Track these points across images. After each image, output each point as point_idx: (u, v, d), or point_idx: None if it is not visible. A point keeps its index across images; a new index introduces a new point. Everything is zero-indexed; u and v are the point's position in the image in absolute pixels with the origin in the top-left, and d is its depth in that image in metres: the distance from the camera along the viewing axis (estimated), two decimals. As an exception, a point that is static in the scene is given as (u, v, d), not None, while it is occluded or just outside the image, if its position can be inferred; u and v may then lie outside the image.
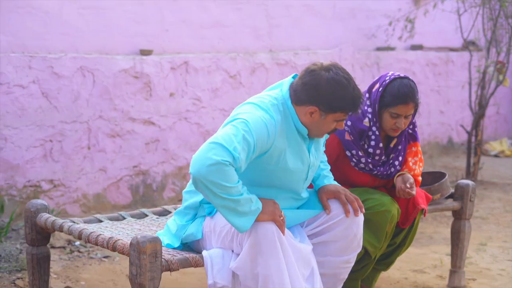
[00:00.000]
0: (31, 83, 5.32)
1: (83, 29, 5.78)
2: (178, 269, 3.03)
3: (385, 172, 3.64)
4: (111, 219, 3.83)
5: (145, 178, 5.99)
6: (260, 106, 3.02)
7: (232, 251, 3.10)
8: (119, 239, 3.12)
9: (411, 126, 3.73)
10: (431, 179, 4.09)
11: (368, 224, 3.47)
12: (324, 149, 3.44)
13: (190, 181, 3.17)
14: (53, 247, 4.88)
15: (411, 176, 3.63)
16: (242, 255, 2.99)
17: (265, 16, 6.99)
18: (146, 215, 3.95)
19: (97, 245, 3.21)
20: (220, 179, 2.83)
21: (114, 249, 3.11)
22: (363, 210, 3.29)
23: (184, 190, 3.33)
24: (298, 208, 3.30)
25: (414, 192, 3.54)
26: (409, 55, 8.11)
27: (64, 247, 4.92)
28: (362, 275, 3.63)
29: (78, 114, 5.55)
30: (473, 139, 7.19)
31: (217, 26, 6.58)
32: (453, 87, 8.62)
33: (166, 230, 3.39)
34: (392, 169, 3.66)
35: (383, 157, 3.61)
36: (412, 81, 3.52)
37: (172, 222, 3.36)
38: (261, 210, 2.98)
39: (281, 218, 3.03)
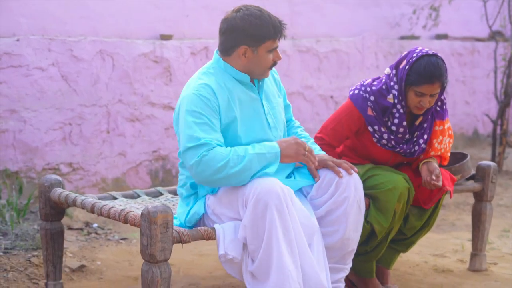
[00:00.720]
0: (50, 66, 5.31)
1: (103, 14, 5.77)
2: (189, 241, 2.99)
3: (408, 150, 3.55)
4: (125, 196, 3.81)
5: (165, 163, 5.96)
6: (190, 83, 3.16)
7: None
8: (130, 211, 3.09)
9: (439, 103, 3.60)
10: (453, 160, 4.01)
11: (375, 202, 3.41)
12: (289, 105, 3.49)
13: (179, 175, 3.33)
14: (70, 228, 4.88)
15: (437, 166, 3.52)
16: (245, 216, 2.93)
17: (287, 3, 6.93)
18: (161, 194, 3.92)
19: (109, 217, 3.18)
20: (213, 166, 2.93)
21: (125, 221, 3.07)
22: (356, 169, 3.26)
23: (178, 186, 3.36)
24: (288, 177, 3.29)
25: (440, 183, 3.45)
26: (433, 44, 7.99)
27: (81, 229, 4.91)
28: (375, 256, 3.54)
29: (97, 98, 5.54)
30: (498, 129, 7.07)
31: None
32: (479, 78, 8.49)
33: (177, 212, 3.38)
34: (416, 147, 3.55)
35: (406, 135, 3.52)
36: (441, 58, 3.40)
37: (178, 211, 3.38)
38: (283, 153, 3.04)
39: (306, 150, 3.09)
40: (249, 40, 3.08)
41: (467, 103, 8.44)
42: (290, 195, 3.00)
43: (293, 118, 3.58)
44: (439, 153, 3.61)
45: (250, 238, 2.96)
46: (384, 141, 3.52)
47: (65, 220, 4.93)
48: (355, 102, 3.50)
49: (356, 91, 3.52)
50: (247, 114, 3.17)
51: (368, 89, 3.50)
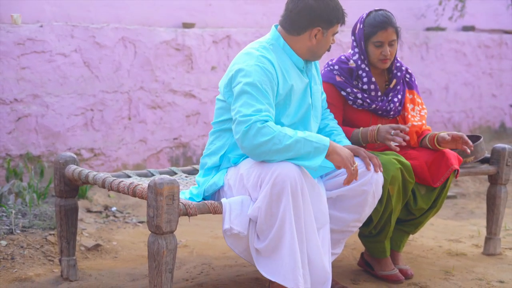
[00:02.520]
0: (73, 52, 5.39)
1: (126, 1, 5.84)
2: (196, 214, 3.01)
3: (384, 107, 3.67)
4: (139, 175, 3.86)
5: (185, 150, 6.01)
6: (252, 53, 3.13)
7: (251, 198, 3.08)
8: (139, 184, 3.13)
9: (407, 75, 3.81)
10: (466, 141, 3.97)
11: None
12: (323, 92, 3.55)
13: (207, 145, 3.36)
14: (89, 211, 4.94)
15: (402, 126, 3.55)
16: (260, 197, 2.96)
17: (310, -7, 6.92)
18: (175, 173, 3.96)
19: (118, 191, 3.22)
20: (259, 139, 2.93)
21: (134, 194, 3.11)
22: (382, 169, 3.27)
23: (202, 156, 3.38)
24: None
25: (399, 140, 3.44)
26: (460, 36, 7.92)
27: (100, 212, 4.97)
28: (384, 237, 3.56)
29: (119, 84, 5.61)
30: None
31: (261, 1, 6.56)
32: (506, 70, 8.39)
33: (191, 188, 3.41)
34: (392, 105, 3.69)
35: (379, 93, 3.68)
36: (388, 11, 3.67)
37: (196, 181, 3.40)
38: (334, 150, 3.02)
39: (354, 166, 3.07)
40: (324, 22, 3.13)
41: (494, 96, 8.34)
42: (311, 182, 3.04)
43: (329, 112, 3.61)
44: (416, 118, 3.72)
45: (263, 219, 2.98)
46: (360, 101, 3.65)
47: (84, 203, 5.01)
48: (326, 79, 3.67)
49: (322, 71, 3.72)
50: (298, 97, 3.22)
51: (330, 62, 3.72)
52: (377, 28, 3.58)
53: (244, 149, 3.00)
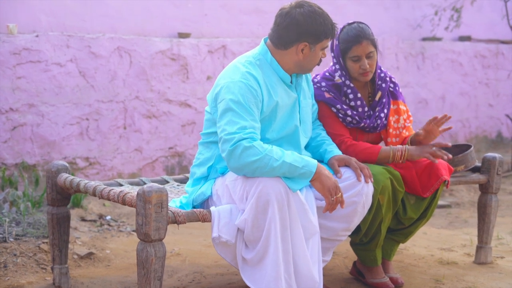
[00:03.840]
0: (68, 62, 5.43)
1: (122, 11, 5.87)
2: (184, 222, 3.03)
3: (371, 124, 3.65)
4: (131, 183, 3.87)
5: (181, 160, 6.03)
6: (238, 68, 3.15)
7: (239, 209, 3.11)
8: (128, 192, 3.15)
9: (391, 85, 3.76)
10: (457, 150, 4.00)
11: None
12: (315, 103, 3.56)
13: (196, 154, 3.37)
14: (84, 220, 4.96)
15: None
16: (247, 210, 2.99)
17: (306, 3, 6.95)
18: (167, 182, 3.98)
19: (109, 199, 3.24)
20: (246, 158, 2.95)
21: (123, 202, 3.13)
22: (372, 179, 3.29)
23: (192, 165, 3.41)
24: None
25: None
26: (456, 46, 7.95)
27: (95, 220, 4.99)
28: (375, 245, 3.57)
29: (114, 94, 5.63)
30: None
31: (257, 12, 6.60)
32: (503, 80, 8.42)
33: (181, 198, 3.43)
34: (379, 121, 3.67)
35: (366, 109, 3.65)
36: (362, 23, 3.60)
37: (186, 190, 3.43)
38: (318, 178, 3.04)
39: (335, 197, 3.07)
40: (311, 37, 3.13)
41: (490, 105, 8.37)
42: (297, 193, 3.06)
43: (321, 125, 3.64)
44: (397, 131, 3.73)
45: (250, 231, 3.01)
46: (349, 119, 3.62)
47: (79, 212, 5.03)
48: (314, 97, 3.61)
49: None
50: (284, 112, 3.24)
51: (316, 80, 3.67)
52: (351, 43, 3.51)
53: (231, 168, 3.04)
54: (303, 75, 3.37)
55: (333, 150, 3.43)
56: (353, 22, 3.59)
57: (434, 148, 3.51)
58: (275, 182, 2.97)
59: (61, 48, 5.40)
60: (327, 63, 6.83)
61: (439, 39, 7.86)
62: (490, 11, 8.22)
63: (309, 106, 3.42)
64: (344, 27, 3.58)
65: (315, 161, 3.08)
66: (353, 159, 3.36)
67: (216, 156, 3.25)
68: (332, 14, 7.09)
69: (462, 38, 8.14)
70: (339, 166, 3.35)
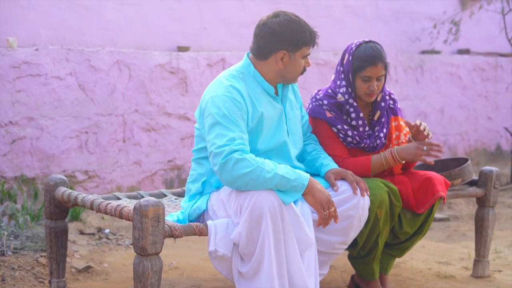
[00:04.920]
0: (68, 75, 5.45)
1: (121, 25, 5.90)
2: (181, 236, 3.04)
3: (371, 145, 3.64)
4: (129, 197, 3.88)
5: (180, 173, 6.04)
6: (221, 82, 3.18)
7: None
8: (126, 206, 3.16)
9: (391, 101, 3.74)
10: (454, 164, 4.01)
11: None
12: (306, 115, 3.57)
13: (190, 171, 3.39)
14: (82, 233, 4.96)
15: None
16: (241, 223, 2.99)
17: (305, 16, 6.92)
18: (165, 195, 3.99)
19: (106, 213, 3.26)
20: (238, 171, 2.97)
21: (120, 216, 3.14)
22: (368, 193, 3.29)
23: (187, 182, 3.42)
24: None
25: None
26: (455, 59, 7.98)
27: (93, 234, 4.99)
28: (373, 259, 3.57)
29: (114, 107, 5.65)
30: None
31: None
32: (502, 93, 8.44)
33: (178, 212, 3.45)
34: (378, 141, 3.66)
35: (366, 128, 3.64)
36: (378, 44, 3.59)
37: (181, 206, 3.44)
38: (311, 191, 3.05)
39: (327, 211, 3.07)
40: (288, 45, 3.16)
41: (489, 118, 8.38)
42: (291, 205, 3.06)
43: (310, 132, 3.64)
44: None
45: (244, 244, 3.02)
46: (350, 139, 3.60)
47: (78, 225, 5.04)
48: (315, 115, 3.62)
49: (310, 106, 3.67)
50: (270, 123, 3.25)
51: (318, 97, 3.65)
52: (367, 63, 3.50)
53: (224, 181, 3.05)
54: (289, 86, 3.39)
55: (329, 164, 3.44)
56: (370, 41, 3.56)
57: (425, 148, 3.47)
58: (268, 195, 2.98)
59: (61, 62, 5.42)
60: (326, 74, 6.86)
61: (438, 52, 7.88)
62: (489, 24, 8.25)
63: (297, 117, 3.42)
64: (361, 44, 3.55)
65: (308, 175, 3.09)
66: (349, 172, 3.37)
67: (209, 171, 3.26)
68: (330, 27, 7.21)
69: (461, 51, 8.17)
70: (335, 180, 3.36)
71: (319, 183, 3.13)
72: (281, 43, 3.15)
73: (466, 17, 7.79)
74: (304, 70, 3.26)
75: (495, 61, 8.34)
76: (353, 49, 3.56)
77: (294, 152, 3.36)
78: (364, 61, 3.51)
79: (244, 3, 6.53)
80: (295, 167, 3.31)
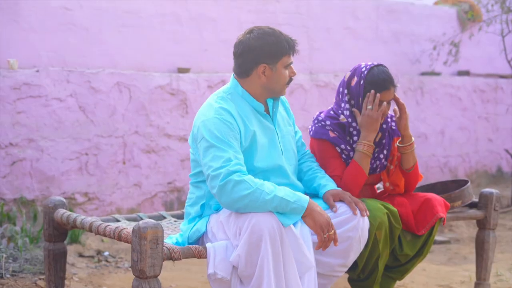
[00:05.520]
0: (68, 97, 5.46)
1: (121, 47, 5.92)
2: (180, 259, 3.02)
3: (370, 166, 3.61)
4: (128, 219, 3.86)
5: (180, 195, 6.02)
6: (211, 105, 3.18)
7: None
8: (124, 228, 3.14)
9: (393, 123, 3.71)
10: (454, 186, 3.99)
11: None
12: (299, 131, 3.55)
13: (188, 195, 3.37)
14: (82, 255, 4.94)
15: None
16: (240, 246, 2.98)
17: (305, 38, 7.02)
18: (164, 217, 3.97)
19: (105, 235, 3.24)
20: (237, 193, 2.96)
21: (119, 238, 3.12)
22: (368, 213, 3.28)
23: (185, 206, 3.40)
24: None
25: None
26: (455, 81, 7.99)
27: (92, 257, 4.97)
28: (373, 282, 3.54)
29: (114, 129, 5.66)
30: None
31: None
32: (502, 115, 8.45)
33: (177, 235, 3.43)
34: (378, 162, 3.64)
35: None
36: (386, 67, 3.56)
37: (180, 228, 3.43)
38: (310, 214, 3.04)
39: (327, 234, 3.05)
40: (267, 58, 3.15)
41: (490, 140, 8.38)
42: (291, 227, 3.05)
43: (305, 149, 3.62)
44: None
45: (244, 267, 3.00)
46: (351, 160, 3.57)
47: (77, 248, 5.02)
48: (318, 136, 3.59)
49: (313, 128, 3.64)
50: (263, 142, 3.24)
51: (320, 118, 3.63)
52: (379, 88, 3.46)
53: (223, 204, 3.04)
54: (280, 103, 3.37)
55: (328, 184, 3.42)
56: (379, 65, 3.53)
57: (369, 107, 3.42)
58: (268, 217, 2.96)
59: (61, 83, 5.43)
60: (326, 96, 6.87)
61: (438, 74, 7.90)
62: (488, 46, 8.28)
63: (290, 133, 3.41)
64: (372, 68, 3.51)
65: (307, 197, 3.07)
66: (348, 194, 3.35)
67: (208, 193, 3.25)
68: (331, 49, 7.22)
69: (461, 73, 8.19)
70: (334, 201, 3.34)
71: (319, 206, 3.11)
72: (259, 57, 3.14)
73: (465, 39, 7.82)
74: (291, 79, 3.25)
75: (495, 83, 8.36)
76: (365, 73, 3.52)
77: (289, 168, 3.35)
78: (378, 85, 3.47)
79: (244, 25, 6.55)
80: (293, 184, 3.30)
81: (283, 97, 3.44)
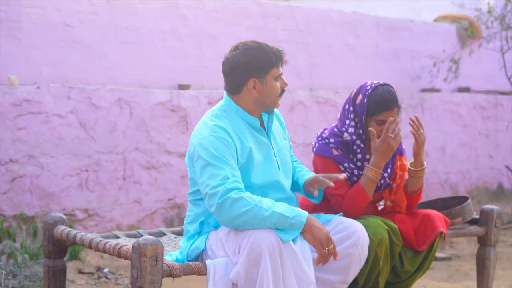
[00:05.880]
0: (69, 113, 5.46)
1: (122, 63, 5.93)
2: (180, 275, 3.01)
3: None
4: (128, 235, 3.85)
5: (180, 211, 6.01)
6: (206, 124, 3.18)
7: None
8: (124, 245, 3.14)
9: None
10: (454, 202, 3.99)
11: None
12: (291, 145, 3.54)
13: (187, 212, 3.37)
14: (81, 272, 4.92)
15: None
16: (239, 263, 2.97)
17: (306, 55, 7.04)
18: (164, 234, 3.96)
19: (104, 252, 3.23)
20: (235, 211, 2.96)
21: (119, 255, 3.12)
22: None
23: (184, 223, 3.40)
24: None
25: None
26: (455, 97, 8.01)
27: (92, 273, 4.96)
28: (371, 299, 3.54)
29: (114, 145, 5.66)
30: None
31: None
32: (502, 131, 8.45)
33: (177, 252, 3.43)
34: (382, 181, 3.63)
35: None
36: (392, 87, 3.56)
37: (179, 246, 3.42)
38: (309, 229, 3.04)
39: (327, 248, 3.05)
40: (255, 72, 3.15)
41: (490, 156, 8.38)
42: (290, 244, 3.04)
43: (295, 158, 3.64)
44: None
45: (243, 284, 2.99)
46: (355, 178, 3.58)
47: (77, 264, 5.00)
48: (322, 153, 3.58)
49: (317, 145, 3.63)
50: (259, 158, 3.24)
51: (324, 135, 3.62)
52: (383, 108, 3.46)
53: (221, 222, 3.04)
54: (274, 118, 3.37)
55: (305, 174, 3.46)
56: (385, 84, 3.53)
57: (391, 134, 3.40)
58: (267, 234, 2.96)
59: (62, 100, 5.44)
60: (327, 112, 6.88)
61: (438, 90, 7.91)
62: (488, 62, 8.30)
63: (286, 147, 3.41)
64: (377, 87, 3.51)
65: (306, 212, 3.07)
66: (320, 174, 3.37)
67: (206, 210, 3.24)
68: (331, 65, 7.23)
69: (461, 89, 8.20)
70: (313, 188, 3.37)
71: (317, 221, 3.11)
72: (247, 72, 3.14)
73: (465, 55, 7.84)
74: (283, 91, 3.24)
75: (495, 99, 8.37)
76: (369, 91, 3.51)
77: (286, 182, 3.35)
78: (381, 105, 3.47)
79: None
80: (290, 197, 3.31)
81: (277, 111, 3.44)
